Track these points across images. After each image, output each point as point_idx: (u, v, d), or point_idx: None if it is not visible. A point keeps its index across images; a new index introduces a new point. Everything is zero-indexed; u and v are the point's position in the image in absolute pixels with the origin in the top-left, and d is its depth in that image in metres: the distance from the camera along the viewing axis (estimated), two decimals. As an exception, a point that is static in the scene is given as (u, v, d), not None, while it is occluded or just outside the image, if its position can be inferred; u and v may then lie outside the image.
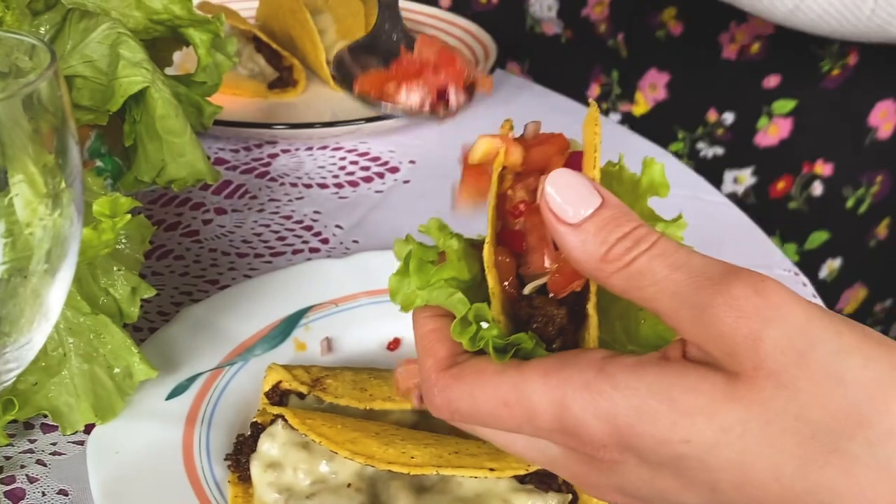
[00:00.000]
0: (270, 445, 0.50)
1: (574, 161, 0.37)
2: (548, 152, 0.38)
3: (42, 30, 0.56)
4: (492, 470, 0.47)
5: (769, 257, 0.73)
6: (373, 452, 0.48)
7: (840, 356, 0.29)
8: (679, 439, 0.30)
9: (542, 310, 0.36)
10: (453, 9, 1.16)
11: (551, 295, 0.36)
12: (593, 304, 0.35)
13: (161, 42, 0.62)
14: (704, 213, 0.77)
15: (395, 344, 0.63)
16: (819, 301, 0.67)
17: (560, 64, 1.04)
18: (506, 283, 0.36)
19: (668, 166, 0.39)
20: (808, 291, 0.69)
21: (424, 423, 0.54)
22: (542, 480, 0.49)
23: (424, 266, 0.37)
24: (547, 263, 0.36)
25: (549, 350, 0.35)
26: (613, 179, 0.38)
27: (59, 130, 0.37)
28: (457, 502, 0.48)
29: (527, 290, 0.36)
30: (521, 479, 0.48)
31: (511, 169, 0.37)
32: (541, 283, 0.36)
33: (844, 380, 0.29)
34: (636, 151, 0.44)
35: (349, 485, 0.49)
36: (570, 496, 0.49)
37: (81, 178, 0.38)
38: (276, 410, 0.51)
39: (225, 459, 0.52)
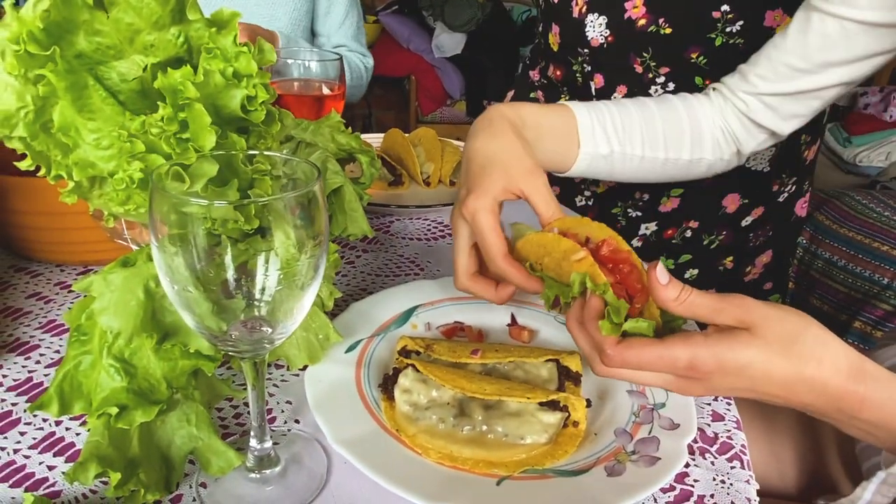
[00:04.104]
0: (404, 380, 0.52)
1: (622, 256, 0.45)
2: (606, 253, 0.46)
3: (284, 152, 0.59)
4: (528, 398, 0.49)
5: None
6: (463, 386, 0.49)
7: (783, 324, 0.40)
8: (741, 361, 0.40)
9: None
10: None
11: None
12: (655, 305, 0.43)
13: (343, 160, 0.65)
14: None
15: (458, 325, 0.64)
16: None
17: (559, 180, 1.06)
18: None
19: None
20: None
21: (486, 372, 0.55)
22: (552, 405, 0.50)
23: (619, 314, 0.42)
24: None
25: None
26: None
27: (313, 209, 0.37)
28: (506, 414, 0.49)
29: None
30: (542, 404, 0.50)
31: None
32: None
33: (794, 335, 0.40)
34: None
35: (448, 403, 0.50)
36: (567, 414, 0.50)
37: (328, 235, 0.39)
38: (408, 361, 0.53)
39: (378, 386, 0.54)
